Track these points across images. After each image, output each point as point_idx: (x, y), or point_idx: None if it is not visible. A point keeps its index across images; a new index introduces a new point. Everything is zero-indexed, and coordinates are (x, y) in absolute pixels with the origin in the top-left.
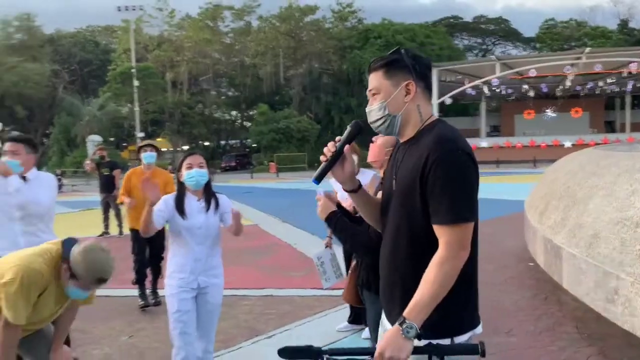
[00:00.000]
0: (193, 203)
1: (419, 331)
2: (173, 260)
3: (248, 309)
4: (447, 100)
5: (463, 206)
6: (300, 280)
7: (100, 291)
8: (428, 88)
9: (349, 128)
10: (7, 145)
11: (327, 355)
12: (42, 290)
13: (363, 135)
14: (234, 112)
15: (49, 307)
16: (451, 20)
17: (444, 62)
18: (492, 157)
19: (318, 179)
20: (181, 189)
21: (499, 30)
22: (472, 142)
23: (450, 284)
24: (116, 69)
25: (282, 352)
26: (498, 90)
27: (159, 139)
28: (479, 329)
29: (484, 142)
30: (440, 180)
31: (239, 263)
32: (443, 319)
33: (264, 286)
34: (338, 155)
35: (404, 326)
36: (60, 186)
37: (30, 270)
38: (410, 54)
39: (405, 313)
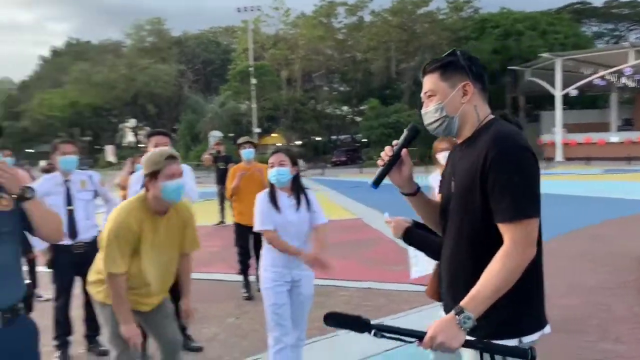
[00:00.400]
0: (284, 200)
1: (475, 323)
2: (268, 254)
3: (346, 300)
4: (573, 92)
5: (526, 202)
6: (399, 274)
7: (211, 275)
8: (484, 89)
9: (405, 132)
10: (158, 139)
11: (375, 330)
12: (136, 235)
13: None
14: (345, 107)
15: (159, 250)
16: (578, 6)
17: (568, 51)
18: (623, 153)
19: (376, 183)
20: (272, 186)
21: (634, 14)
22: (599, 136)
23: (512, 281)
24: (235, 68)
25: (328, 318)
26: (632, 80)
27: (273, 135)
28: (547, 329)
29: (614, 137)
30: (500, 178)
31: (340, 255)
32: (510, 320)
33: (363, 278)
34: (395, 158)
35: (462, 316)
36: None
37: (114, 223)
38: (465, 55)
39: (464, 303)
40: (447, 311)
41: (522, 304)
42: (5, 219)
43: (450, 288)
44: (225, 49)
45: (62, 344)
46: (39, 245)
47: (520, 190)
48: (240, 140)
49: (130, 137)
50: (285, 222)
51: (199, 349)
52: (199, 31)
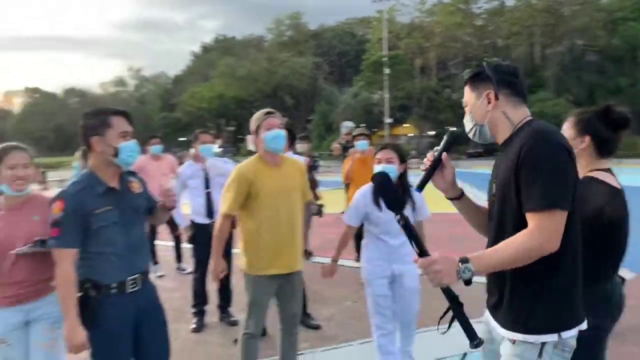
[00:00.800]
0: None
1: (472, 276)
2: (369, 246)
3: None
4: None
5: (554, 192)
6: None
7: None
8: (515, 94)
9: (445, 137)
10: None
11: (401, 217)
12: (249, 182)
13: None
14: None
15: (277, 197)
16: None
17: None
18: None
19: (420, 187)
20: None
21: None
22: None
23: (520, 262)
24: (369, 58)
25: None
26: None
27: (405, 125)
28: (584, 325)
29: None
30: (530, 170)
31: (462, 249)
32: (549, 315)
33: None
34: (437, 163)
35: (464, 265)
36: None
37: (234, 173)
38: (491, 65)
39: (471, 256)
40: (491, 312)
41: (562, 301)
42: (140, 199)
43: (493, 286)
44: (360, 39)
45: (199, 312)
46: (182, 223)
47: (548, 181)
48: (355, 132)
49: None
50: (386, 220)
51: (317, 327)
52: (336, 23)
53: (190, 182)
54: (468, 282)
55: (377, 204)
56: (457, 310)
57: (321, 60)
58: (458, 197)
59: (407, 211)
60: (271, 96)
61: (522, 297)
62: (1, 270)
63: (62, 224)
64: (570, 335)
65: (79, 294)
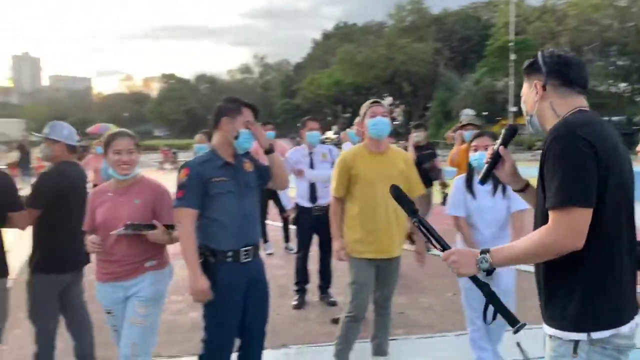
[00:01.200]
0: (480, 185)
1: (489, 268)
2: (458, 243)
3: None
4: None
5: (571, 189)
6: None
7: (435, 251)
8: (568, 83)
9: (503, 131)
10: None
11: (416, 220)
12: (349, 167)
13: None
14: (622, 85)
15: (377, 182)
16: None
17: None
18: None
19: (482, 181)
20: (470, 170)
21: None
22: None
23: (539, 258)
24: (494, 43)
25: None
26: None
27: None
28: (624, 329)
29: None
30: (551, 163)
31: None
32: (579, 314)
33: None
34: (496, 157)
35: (482, 256)
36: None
37: (339, 157)
38: (546, 55)
39: (493, 249)
40: (540, 301)
41: (593, 300)
42: (252, 176)
43: (536, 279)
44: (484, 24)
45: (300, 290)
46: (287, 205)
47: (565, 177)
48: (464, 121)
49: None
50: (480, 208)
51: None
52: (459, 7)
53: (296, 167)
54: (488, 272)
55: (471, 191)
56: (490, 297)
57: (442, 46)
58: (523, 188)
59: (498, 198)
60: (389, 82)
61: (555, 293)
62: (104, 249)
63: (185, 187)
64: (601, 336)
65: (200, 260)
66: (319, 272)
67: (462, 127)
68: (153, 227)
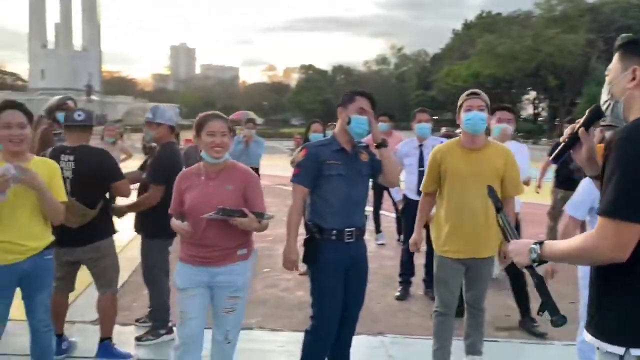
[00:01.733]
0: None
1: (538, 258)
2: None
3: None
4: None
5: (623, 200)
6: None
7: None
8: None
9: (587, 112)
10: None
11: (500, 215)
12: (438, 164)
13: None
14: None
15: (467, 180)
16: None
17: None
18: None
19: (554, 159)
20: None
21: None
22: None
23: (582, 261)
24: None
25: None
26: None
27: None
28: None
29: None
30: (611, 166)
31: None
32: (620, 326)
33: None
34: (574, 138)
35: (535, 246)
36: None
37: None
38: None
39: (547, 242)
40: (589, 310)
41: (635, 315)
42: (365, 166)
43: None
44: None
45: (405, 281)
46: (396, 197)
47: (626, 186)
48: (608, 122)
49: (529, 110)
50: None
51: (542, 335)
52: None
53: (406, 160)
54: (539, 263)
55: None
56: (539, 286)
57: (595, 37)
58: (597, 175)
59: None
60: (532, 75)
61: (601, 304)
62: (195, 232)
63: (301, 166)
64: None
65: (307, 236)
66: (424, 265)
67: (604, 126)
68: (244, 214)
